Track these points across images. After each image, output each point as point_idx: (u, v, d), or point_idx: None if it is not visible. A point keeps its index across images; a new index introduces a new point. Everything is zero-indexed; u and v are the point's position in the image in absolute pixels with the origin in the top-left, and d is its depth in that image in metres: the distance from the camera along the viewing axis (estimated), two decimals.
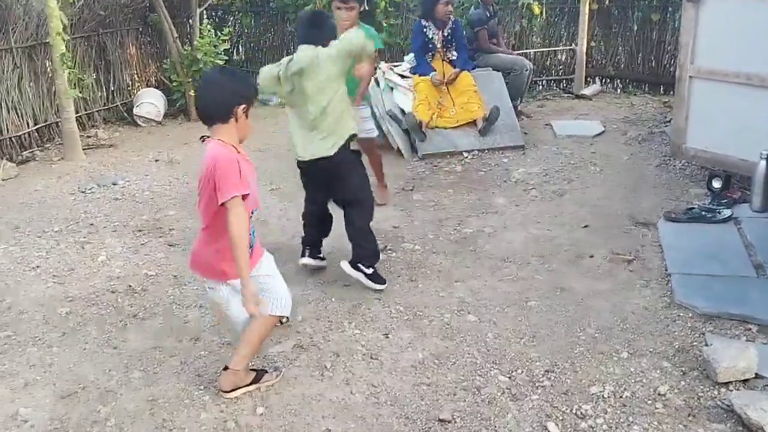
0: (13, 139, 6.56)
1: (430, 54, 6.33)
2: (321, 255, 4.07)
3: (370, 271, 3.80)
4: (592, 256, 4.12)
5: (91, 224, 4.86)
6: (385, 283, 3.80)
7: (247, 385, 2.94)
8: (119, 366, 3.16)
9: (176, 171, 6.00)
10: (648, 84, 8.54)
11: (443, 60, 6.27)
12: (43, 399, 2.94)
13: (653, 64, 8.52)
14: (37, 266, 4.22)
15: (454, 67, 6.24)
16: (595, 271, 3.96)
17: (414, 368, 3.09)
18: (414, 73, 6.39)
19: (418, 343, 3.29)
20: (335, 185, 3.79)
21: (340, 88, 3.62)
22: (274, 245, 4.32)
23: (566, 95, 8.28)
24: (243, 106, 2.73)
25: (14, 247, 4.52)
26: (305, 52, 3.58)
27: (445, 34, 6.24)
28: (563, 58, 8.91)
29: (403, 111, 6.20)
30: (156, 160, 6.38)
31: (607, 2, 8.43)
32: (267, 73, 3.73)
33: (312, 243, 4.05)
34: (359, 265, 3.79)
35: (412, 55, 6.67)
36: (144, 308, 3.69)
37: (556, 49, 8.80)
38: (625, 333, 3.30)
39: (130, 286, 3.93)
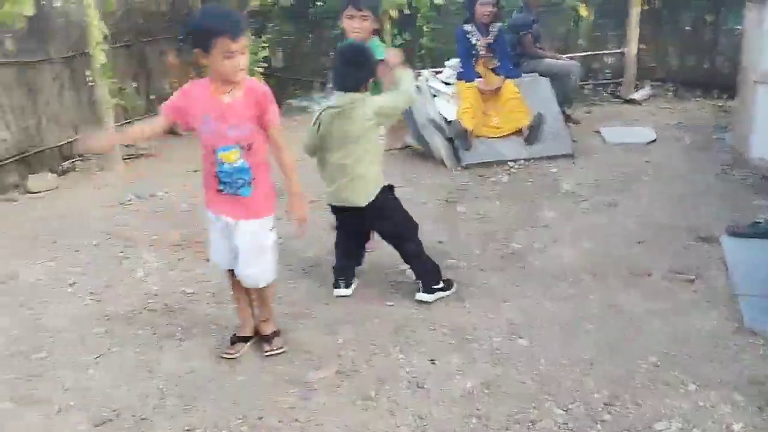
0: (54, 149, 6.56)
1: (473, 60, 6.14)
2: (353, 280, 3.90)
3: (442, 285, 3.71)
4: (649, 274, 3.88)
5: (129, 238, 4.78)
6: (453, 285, 3.76)
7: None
8: (155, 391, 3.03)
9: None
10: (701, 87, 8.20)
11: (486, 67, 6.07)
12: (77, 426, 2.82)
13: (706, 66, 8.18)
14: (74, 282, 4.14)
15: (497, 75, 6.04)
16: (653, 290, 3.71)
17: (463, 398, 2.90)
18: (459, 80, 6.21)
19: (466, 369, 3.09)
20: (373, 226, 3.69)
21: (375, 135, 3.45)
22: (314, 260, 4.20)
23: (615, 100, 8.01)
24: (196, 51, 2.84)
25: (52, 262, 4.46)
26: (343, 98, 3.40)
27: (490, 40, 6.04)
28: (611, 61, 8.63)
29: (446, 119, 6.01)
30: (195, 171, 6.27)
31: (657, 3, 8.12)
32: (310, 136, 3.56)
33: (344, 272, 3.87)
34: (432, 287, 3.69)
35: (454, 61, 6.49)
36: (181, 328, 3.57)
37: (604, 52, 8.52)
38: (690, 361, 3.06)
39: (167, 304, 3.81)
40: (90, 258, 4.48)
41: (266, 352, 3.26)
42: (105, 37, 6.18)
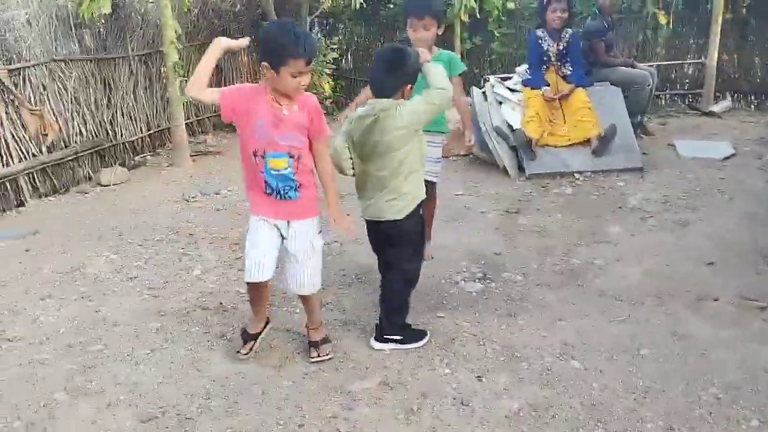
0: (126, 144, 6.77)
1: (544, 67, 6.00)
2: None
3: (400, 337, 3.35)
4: (717, 299, 3.69)
5: (191, 234, 4.88)
6: (426, 335, 3.39)
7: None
8: (201, 391, 3.06)
9: None
10: None
11: (557, 74, 5.91)
12: (124, 422, 2.88)
13: None
14: (135, 277, 4.25)
15: (568, 83, 5.87)
16: (720, 317, 3.52)
17: (508, 419, 2.81)
18: (525, 86, 6.07)
19: (514, 389, 3.00)
20: (387, 247, 3.37)
21: (413, 146, 3.20)
22: (368, 267, 4.17)
23: (692, 112, 7.68)
24: (265, 64, 2.87)
25: (116, 255, 4.58)
26: (375, 105, 3.16)
27: (561, 47, 5.89)
28: (690, 71, 8.29)
29: (511, 127, 5.89)
30: None
31: (742, 11, 7.74)
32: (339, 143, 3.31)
33: None
34: (386, 336, 3.36)
35: (523, 67, 6.36)
36: (232, 328, 3.60)
37: (684, 62, 8.19)
38: (756, 396, 2.88)
39: (221, 303, 3.86)
40: (152, 253, 4.59)
41: (312, 358, 3.25)
42: (179, 36, 6.33)
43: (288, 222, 3.09)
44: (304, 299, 3.30)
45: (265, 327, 3.39)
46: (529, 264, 4.20)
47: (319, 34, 7.94)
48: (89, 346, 3.47)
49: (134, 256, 4.55)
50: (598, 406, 2.86)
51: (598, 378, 3.05)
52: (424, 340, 3.38)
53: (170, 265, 4.38)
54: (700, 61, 7.96)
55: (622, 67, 6.52)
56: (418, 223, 3.35)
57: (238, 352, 3.30)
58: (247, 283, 3.20)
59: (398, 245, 3.31)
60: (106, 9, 5.66)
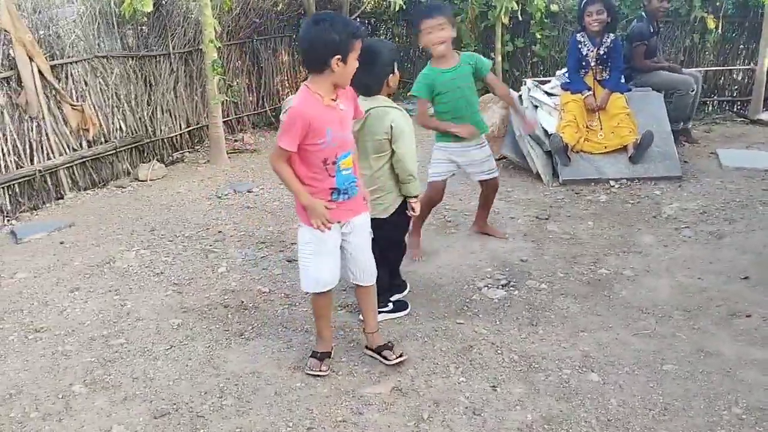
0: (165, 140, 6.88)
1: (584, 72, 5.87)
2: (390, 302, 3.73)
3: (389, 308, 3.65)
4: (749, 316, 3.55)
5: (220, 232, 4.92)
6: (407, 307, 3.70)
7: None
8: (215, 389, 3.08)
9: None
10: None
11: (596, 79, 5.78)
12: (138, 417, 2.91)
13: None
14: (161, 272, 4.31)
15: (604, 88, 5.74)
16: (751, 334, 3.39)
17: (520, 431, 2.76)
18: (565, 90, 5.94)
19: (528, 401, 2.94)
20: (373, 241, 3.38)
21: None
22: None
23: (739, 120, 7.43)
24: (338, 57, 2.75)
25: (146, 250, 4.66)
26: (376, 101, 3.28)
27: (601, 52, 5.75)
28: (739, 78, 8.02)
29: (546, 131, 5.78)
30: None
31: None
32: None
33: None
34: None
35: (564, 70, 6.24)
36: (251, 327, 3.62)
37: (732, 68, 7.93)
38: None
39: (243, 301, 3.89)
40: (180, 249, 4.65)
41: (390, 360, 3.19)
42: (218, 35, 6.40)
43: (350, 221, 3.09)
44: (365, 297, 3.28)
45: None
46: (556, 272, 4.12)
47: None
48: (111, 339, 3.54)
49: (163, 252, 4.61)
50: (615, 422, 2.78)
51: (617, 393, 2.97)
52: (406, 311, 3.68)
53: (196, 262, 4.43)
54: (749, 67, 7.70)
55: (665, 72, 6.34)
56: (402, 220, 3.51)
57: (314, 374, 3.14)
58: (316, 295, 3.14)
59: (383, 240, 3.40)
60: (148, 7, 5.76)
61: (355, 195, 3.05)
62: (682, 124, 6.37)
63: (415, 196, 3.42)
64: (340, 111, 2.89)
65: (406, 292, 3.84)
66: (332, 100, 2.87)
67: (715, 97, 8.05)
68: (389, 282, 3.66)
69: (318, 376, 3.13)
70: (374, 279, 3.25)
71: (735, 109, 7.88)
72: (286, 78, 8.53)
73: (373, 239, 3.23)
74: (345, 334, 3.50)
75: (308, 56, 2.84)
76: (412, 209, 3.44)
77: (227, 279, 4.18)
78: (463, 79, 4.08)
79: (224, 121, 7.56)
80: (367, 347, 3.32)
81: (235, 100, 7.68)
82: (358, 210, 3.11)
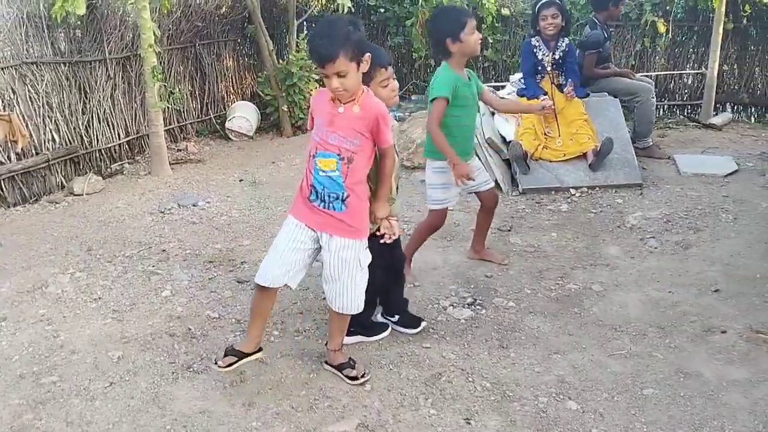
0: (102, 151, 6.47)
1: (539, 77, 5.73)
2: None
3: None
4: (724, 332, 3.42)
5: (163, 250, 4.58)
6: (388, 327, 3.46)
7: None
8: None
9: (258, 193, 5.69)
10: None
11: (552, 84, 5.65)
12: None
13: None
14: (99, 297, 3.95)
15: (562, 93, 5.61)
16: (728, 351, 3.26)
17: None
18: (521, 96, 5.80)
19: None
20: None
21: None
22: None
23: (692, 124, 7.43)
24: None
25: (82, 272, 4.28)
26: None
27: (557, 56, 5.63)
28: (690, 82, 8.05)
29: (504, 139, 5.62)
30: (240, 180, 6.10)
31: (745, 21, 7.51)
32: None
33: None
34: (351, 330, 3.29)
35: (517, 75, 6.10)
36: (200, 358, 3.31)
37: (683, 72, 7.95)
38: None
39: (190, 329, 3.57)
40: (120, 271, 4.29)
41: (353, 379, 3.04)
42: (157, 39, 6.04)
43: (329, 235, 2.87)
44: (334, 318, 3.09)
45: (256, 352, 3.10)
46: (522, 288, 3.93)
47: (305, 40, 7.65)
48: (43, 377, 3.18)
49: (101, 274, 4.25)
50: None
51: (598, 422, 2.78)
52: (387, 332, 3.43)
53: (138, 285, 4.09)
54: (699, 71, 7.73)
55: (623, 78, 6.24)
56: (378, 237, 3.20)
57: (216, 363, 3.03)
58: (257, 289, 2.99)
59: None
60: (80, 10, 5.36)
61: (334, 210, 2.85)
62: (650, 141, 6.15)
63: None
64: (335, 110, 2.80)
65: (375, 338, 3.43)
66: (338, 100, 2.79)
67: (667, 102, 8.06)
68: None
69: (220, 369, 3.01)
70: (344, 311, 3.00)
71: (686, 114, 7.90)
72: (231, 84, 8.18)
73: None
74: (303, 363, 3.22)
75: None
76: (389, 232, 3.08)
77: (172, 303, 3.85)
78: (475, 96, 3.87)
79: (166, 130, 7.18)
80: (326, 362, 3.15)
81: (178, 108, 7.30)
82: (335, 230, 2.87)
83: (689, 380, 3.05)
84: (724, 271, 4.02)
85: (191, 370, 3.21)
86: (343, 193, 2.83)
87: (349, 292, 2.95)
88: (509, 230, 4.74)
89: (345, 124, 2.79)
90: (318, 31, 2.72)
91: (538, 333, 3.47)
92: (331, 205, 2.84)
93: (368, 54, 2.73)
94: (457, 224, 4.85)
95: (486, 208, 4.14)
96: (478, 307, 3.73)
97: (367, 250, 2.98)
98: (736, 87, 7.86)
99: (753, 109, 7.84)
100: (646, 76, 7.27)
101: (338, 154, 2.80)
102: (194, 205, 5.40)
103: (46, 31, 5.83)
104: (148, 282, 4.13)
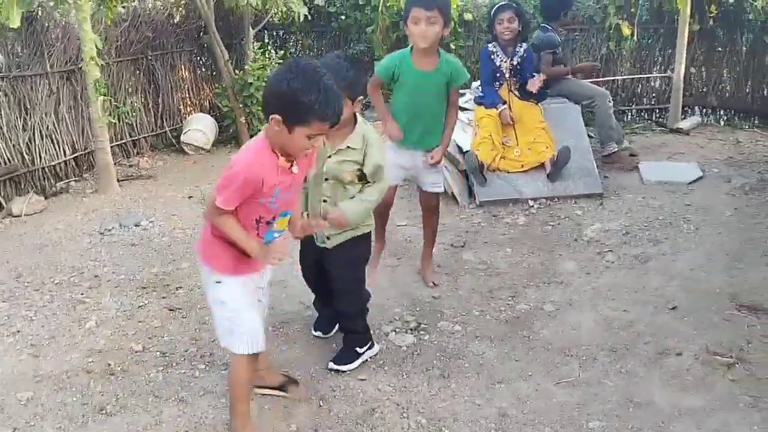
0: (46, 169, 6.18)
1: (498, 84, 5.53)
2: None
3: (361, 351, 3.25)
4: (679, 354, 3.22)
5: (96, 276, 4.31)
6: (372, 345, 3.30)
7: None
8: None
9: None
10: (758, 116, 7.42)
11: (510, 91, 5.44)
12: None
13: (765, 93, 7.38)
14: (18, 330, 3.68)
15: (521, 100, 5.40)
16: (682, 376, 3.05)
17: None
18: (479, 104, 5.59)
19: None
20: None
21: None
22: (291, 314, 3.65)
23: (659, 128, 7.26)
24: (277, 117, 2.31)
25: (5, 302, 4.00)
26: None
27: (515, 62, 5.42)
28: (657, 85, 7.88)
29: (460, 149, 5.41)
30: (189, 197, 5.83)
31: (711, 23, 7.34)
32: None
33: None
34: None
35: (478, 83, 5.89)
36: (115, 398, 3.05)
37: (649, 75, 7.78)
38: None
39: (109, 365, 3.30)
40: (46, 300, 4.02)
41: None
42: (99, 52, 5.78)
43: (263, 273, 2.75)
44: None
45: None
46: (471, 310, 3.71)
47: (261, 49, 7.39)
48: None
49: (25, 304, 3.97)
50: None
51: None
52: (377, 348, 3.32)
53: (61, 316, 3.82)
54: (666, 75, 7.55)
55: (582, 81, 6.06)
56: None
57: None
58: (248, 359, 2.64)
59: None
60: (14, 23, 5.08)
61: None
62: (614, 146, 5.91)
63: None
64: (291, 175, 2.51)
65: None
66: (290, 162, 2.49)
67: (633, 106, 7.88)
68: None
69: None
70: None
71: (654, 118, 7.73)
72: (187, 95, 7.91)
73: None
74: (227, 401, 2.97)
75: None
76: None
77: (95, 336, 3.59)
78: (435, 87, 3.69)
79: (118, 145, 6.93)
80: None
81: (129, 122, 7.02)
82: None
83: (639, 410, 2.84)
84: (683, 286, 3.82)
85: (103, 412, 2.96)
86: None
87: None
88: (462, 246, 4.51)
89: (298, 180, 2.59)
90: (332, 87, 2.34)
91: (482, 360, 3.25)
92: None
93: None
94: (409, 240, 4.62)
95: (423, 208, 4.05)
96: (421, 332, 3.50)
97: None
98: (704, 90, 7.69)
99: (722, 112, 7.67)
100: (612, 80, 7.10)
101: (290, 210, 2.64)
102: (136, 225, 5.13)
103: None
104: (73, 312, 3.86)
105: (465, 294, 3.89)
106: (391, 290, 3.96)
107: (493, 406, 2.90)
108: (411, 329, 3.53)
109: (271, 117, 2.32)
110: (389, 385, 3.06)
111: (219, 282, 2.58)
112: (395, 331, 3.52)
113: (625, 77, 7.71)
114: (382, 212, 3.89)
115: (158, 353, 3.40)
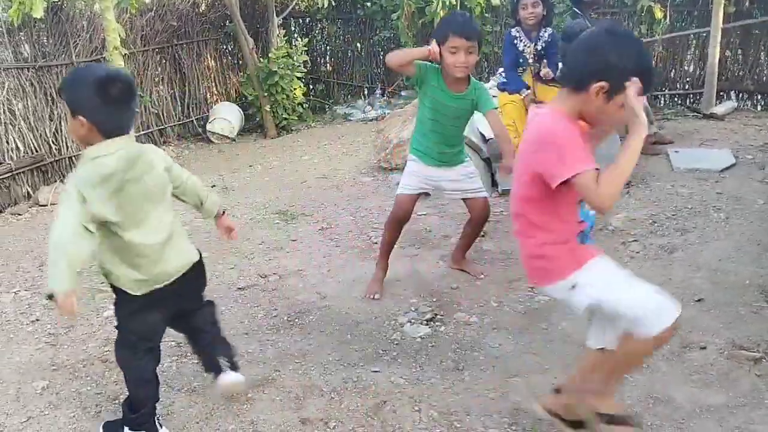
0: (73, 158, 6.25)
1: (521, 69, 5.40)
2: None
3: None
4: (704, 348, 3.10)
5: None
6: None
7: None
8: None
9: (227, 200, 5.44)
10: None
11: (534, 77, 5.31)
12: None
13: None
14: (38, 319, 3.73)
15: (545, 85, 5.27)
16: (706, 371, 2.94)
17: None
18: (502, 91, 5.47)
19: None
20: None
21: None
22: (305, 305, 3.62)
23: (692, 114, 7.04)
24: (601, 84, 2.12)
25: (27, 291, 4.07)
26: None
27: (539, 47, 5.28)
28: (691, 70, 7.65)
29: (483, 137, 5.31)
30: (213, 186, 5.84)
31: (747, 4, 7.09)
32: None
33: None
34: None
35: (501, 69, 5.77)
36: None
37: (683, 59, 7.56)
38: None
39: None
40: None
41: None
42: (122, 41, 5.80)
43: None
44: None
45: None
46: (489, 301, 3.63)
47: (285, 37, 7.39)
48: None
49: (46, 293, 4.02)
50: None
51: None
52: None
53: (80, 304, 3.84)
54: (700, 58, 7.34)
55: None
56: None
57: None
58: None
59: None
60: (37, 13, 5.13)
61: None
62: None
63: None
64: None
65: None
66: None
67: (667, 91, 7.67)
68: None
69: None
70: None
71: (687, 103, 7.51)
72: (213, 84, 7.93)
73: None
74: (239, 392, 2.95)
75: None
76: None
77: (111, 325, 3.60)
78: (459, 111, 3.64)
79: (145, 134, 6.99)
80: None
81: (155, 111, 7.07)
82: None
83: (659, 406, 2.74)
84: (709, 278, 3.69)
85: (117, 402, 2.96)
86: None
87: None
88: (483, 236, 4.42)
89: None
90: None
91: (498, 352, 3.18)
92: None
93: None
94: (429, 230, 4.56)
95: (473, 218, 3.87)
96: (437, 323, 3.44)
97: None
98: (739, 74, 7.44)
99: (759, 97, 7.42)
100: None
101: None
102: None
103: (5, 35, 5.62)
104: (92, 300, 3.89)
105: (483, 285, 3.82)
106: (408, 280, 3.91)
107: (507, 401, 2.83)
108: (427, 320, 3.47)
109: (595, 87, 2.12)
110: (402, 377, 3.01)
111: (574, 286, 2.30)
112: (411, 322, 3.47)
113: (657, 62, 7.49)
114: (395, 226, 3.76)
115: (173, 343, 3.40)
